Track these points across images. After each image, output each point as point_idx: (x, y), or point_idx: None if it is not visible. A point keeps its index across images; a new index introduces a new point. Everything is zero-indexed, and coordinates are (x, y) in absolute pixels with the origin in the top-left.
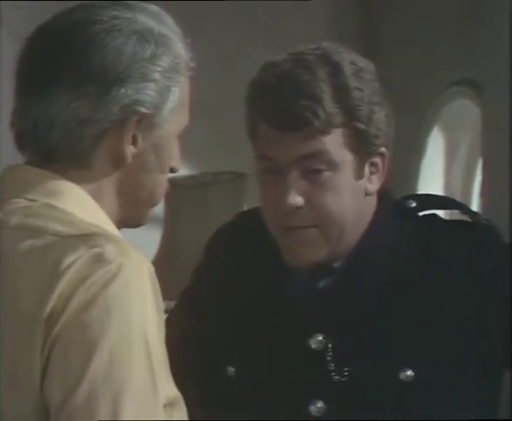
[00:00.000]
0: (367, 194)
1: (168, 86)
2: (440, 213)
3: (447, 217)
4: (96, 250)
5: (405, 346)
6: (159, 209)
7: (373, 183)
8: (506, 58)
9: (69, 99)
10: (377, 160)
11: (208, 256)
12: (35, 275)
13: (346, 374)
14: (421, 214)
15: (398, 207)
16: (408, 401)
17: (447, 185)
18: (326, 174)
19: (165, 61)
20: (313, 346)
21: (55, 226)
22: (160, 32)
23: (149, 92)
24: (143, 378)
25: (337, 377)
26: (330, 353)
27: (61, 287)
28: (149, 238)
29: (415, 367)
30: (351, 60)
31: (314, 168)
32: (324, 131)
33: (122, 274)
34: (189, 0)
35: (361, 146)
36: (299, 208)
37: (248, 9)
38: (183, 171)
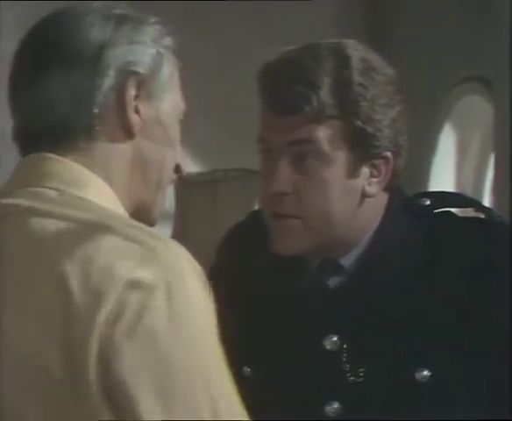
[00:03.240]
0: (366, 196)
1: (159, 52)
2: (454, 211)
3: (461, 215)
4: (149, 252)
5: (421, 345)
6: (169, 205)
7: (373, 186)
8: None
9: (66, 78)
10: (379, 163)
11: (220, 257)
12: (84, 273)
13: (362, 374)
14: (435, 212)
15: (411, 205)
16: (425, 401)
17: (459, 181)
18: (315, 165)
19: (150, 33)
20: (328, 347)
21: (88, 216)
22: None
23: (140, 54)
24: (224, 376)
25: (352, 378)
26: (345, 354)
27: (118, 291)
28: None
29: (431, 366)
30: (364, 57)
31: (303, 157)
32: (316, 119)
33: (184, 279)
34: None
35: (357, 143)
36: (285, 195)
37: (258, 7)
38: (193, 168)
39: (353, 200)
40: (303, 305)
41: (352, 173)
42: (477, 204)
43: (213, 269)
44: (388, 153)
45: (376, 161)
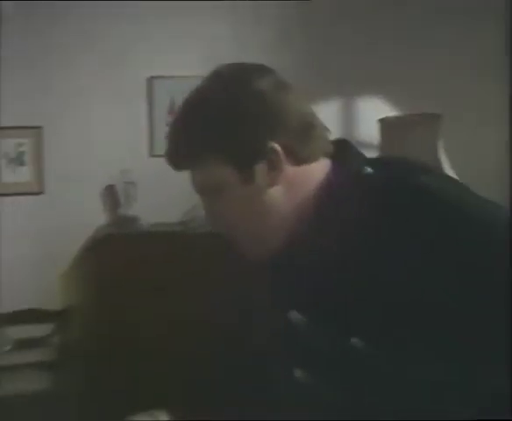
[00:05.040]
0: (274, 184)
1: None
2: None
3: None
4: None
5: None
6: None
7: (274, 177)
8: None
9: None
10: (270, 157)
11: None
12: None
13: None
14: (376, 178)
15: (354, 173)
16: (356, 365)
17: None
18: (214, 199)
19: None
20: (293, 320)
21: None
22: None
23: None
24: None
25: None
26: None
27: None
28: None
29: (361, 335)
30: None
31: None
32: (200, 165)
33: None
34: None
35: (233, 159)
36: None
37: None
38: (392, 112)
39: (263, 201)
40: None
41: (245, 180)
42: (424, 169)
43: None
44: (274, 145)
45: (265, 158)
